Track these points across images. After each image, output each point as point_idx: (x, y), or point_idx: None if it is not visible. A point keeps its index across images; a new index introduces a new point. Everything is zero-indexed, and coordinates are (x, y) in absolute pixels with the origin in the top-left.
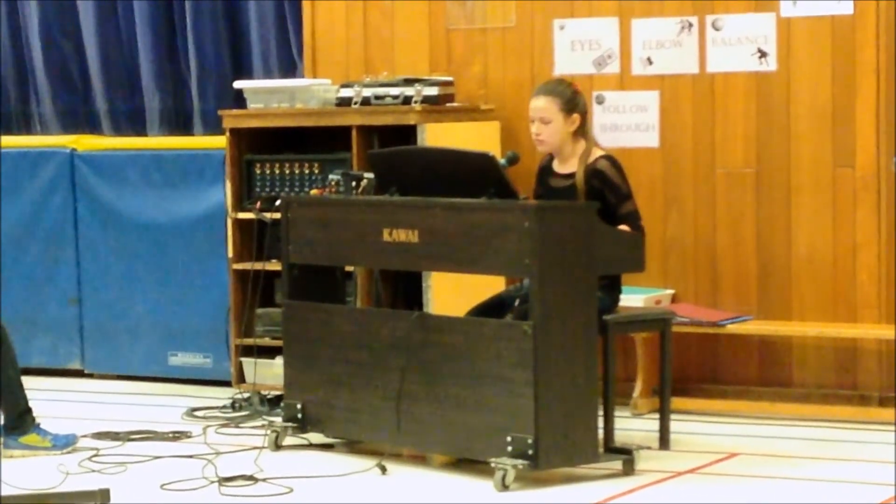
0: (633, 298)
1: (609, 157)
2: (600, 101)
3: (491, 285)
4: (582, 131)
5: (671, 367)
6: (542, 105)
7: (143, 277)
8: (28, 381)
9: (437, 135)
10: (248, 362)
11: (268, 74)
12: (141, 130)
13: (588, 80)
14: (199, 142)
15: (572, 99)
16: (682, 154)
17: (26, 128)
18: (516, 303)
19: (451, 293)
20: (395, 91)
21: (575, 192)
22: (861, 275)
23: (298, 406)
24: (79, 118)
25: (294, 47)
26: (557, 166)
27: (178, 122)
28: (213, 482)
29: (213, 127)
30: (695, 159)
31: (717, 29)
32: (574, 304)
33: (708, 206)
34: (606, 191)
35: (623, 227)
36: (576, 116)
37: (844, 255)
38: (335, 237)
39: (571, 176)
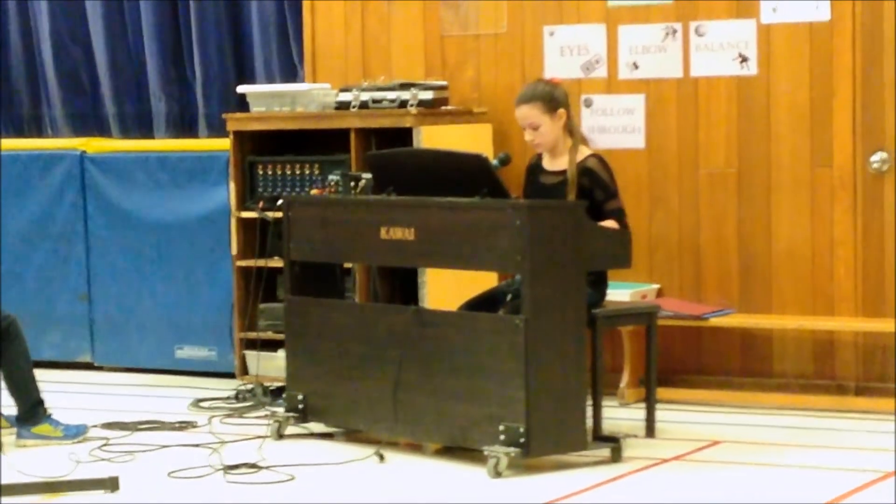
0: (619, 293)
1: (598, 157)
2: (588, 104)
3: (484, 281)
4: (569, 125)
5: (657, 359)
6: (525, 113)
7: (150, 274)
8: (40, 374)
9: (432, 137)
10: (251, 355)
11: (270, 79)
12: (148, 133)
13: (576, 84)
14: (204, 144)
15: (552, 97)
16: (667, 155)
17: (38, 131)
18: (508, 298)
19: (446, 289)
20: (391, 95)
21: (566, 188)
22: (838, 270)
23: (300, 397)
24: (88, 121)
25: (295, 53)
26: (548, 163)
27: (184, 125)
28: (218, 470)
29: (218, 130)
30: (679, 160)
31: (700, 35)
32: (564, 299)
33: (692, 204)
34: (595, 188)
35: (609, 222)
36: (561, 112)
37: (822, 250)
38: (335, 235)
39: (562, 173)
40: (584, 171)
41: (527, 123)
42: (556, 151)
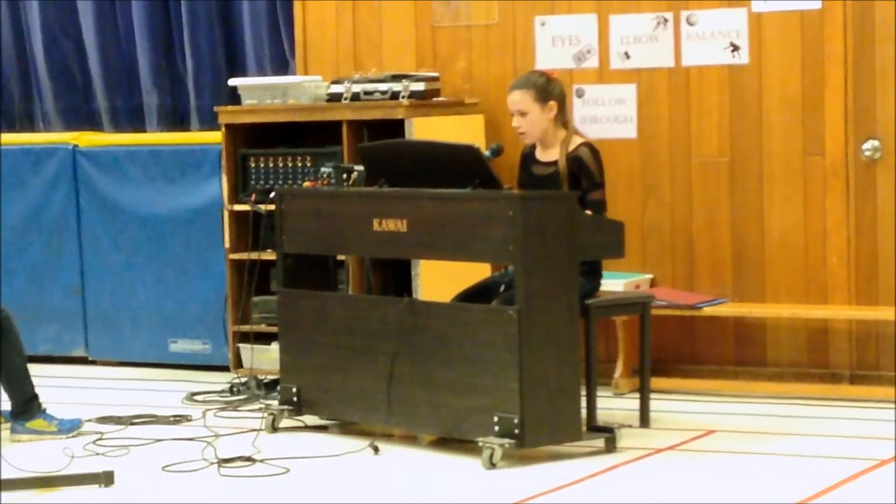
0: (613, 283)
1: (589, 145)
2: (580, 94)
3: (477, 272)
4: (562, 118)
5: (650, 349)
6: (516, 99)
7: (144, 268)
8: (34, 369)
9: (423, 128)
10: (245, 348)
11: (261, 72)
12: (140, 127)
13: (568, 75)
14: (196, 137)
15: (545, 87)
16: (659, 144)
17: (30, 125)
18: (501, 288)
19: (439, 280)
20: (383, 87)
21: (558, 179)
22: (831, 258)
23: (294, 389)
24: (80, 115)
25: (286, 45)
26: (540, 154)
27: (176, 119)
28: (212, 464)
29: (209, 123)
30: (671, 149)
31: (691, 24)
32: (557, 289)
33: (684, 194)
34: (582, 177)
35: (588, 213)
36: (552, 104)
37: (815, 239)
38: (327, 227)
39: (554, 164)
40: (573, 159)
41: (516, 109)
42: (546, 143)
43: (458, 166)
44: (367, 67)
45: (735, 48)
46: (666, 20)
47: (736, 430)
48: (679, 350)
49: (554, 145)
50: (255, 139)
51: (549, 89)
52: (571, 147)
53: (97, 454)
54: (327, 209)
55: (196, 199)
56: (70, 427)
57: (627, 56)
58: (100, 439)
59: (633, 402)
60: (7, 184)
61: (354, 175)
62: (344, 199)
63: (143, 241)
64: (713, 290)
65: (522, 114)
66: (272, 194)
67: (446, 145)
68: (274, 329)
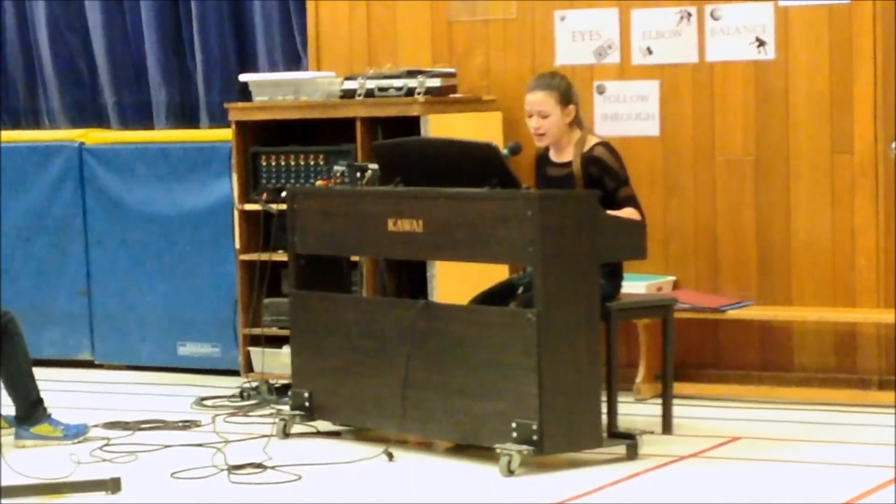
0: (634, 285)
1: (605, 144)
2: (601, 90)
3: (495, 274)
4: (577, 121)
5: (673, 353)
6: (539, 99)
7: (152, 269)
8: (39, 373)
9: (440, 126)
10: (255, 352)
11: (273, 68)
12: (148, 124)
13: (588, 71)
14: (206, 135)
15: (567, 91)
16: (682, 142)
17: (35, 122)
18: (520, 290)
19: (456, 282)
20: (398, 83)
21: (572, 180)
22: (859, 260)
23: (306, 394)
24: (87, 112)
25: (298, 41)
26: (554, 155)
27: (185, 116)
28: (222, 470)
29: (220, 120)
30: (695, 147)
31: (715, 18)
32: (577, 292)
33: (708, 193)
34: (605, 177)
35: (628, 210)
36: (571, 108)
37: (843, 240)
38: (340, 227)
39: (568, 165)
40: (591, 159)
41: (536, 110)
42: (560, 145)
43: (475, 165)
44: (381, 63)
45: (761, 43)
46: (689, 14)
47: (761, 437)
48: (702, 354)
49: (568, 146)
50: (267, 137)
51: (570, 93)
52: (586, 148)
53: (104, 460)
54: (340, 209)
55: (205, 199)
56: (76, 432)
57: (650, 51)
58: (106, 445)
59: (655, 408)
60: (12, 182)
61: (368, 174)
62: (358, 199)
63: (150, 242)
64: (738, 293)
65: (543, 115)
66: (284, 193)
67: (463, 143)
68: (285, 332)
